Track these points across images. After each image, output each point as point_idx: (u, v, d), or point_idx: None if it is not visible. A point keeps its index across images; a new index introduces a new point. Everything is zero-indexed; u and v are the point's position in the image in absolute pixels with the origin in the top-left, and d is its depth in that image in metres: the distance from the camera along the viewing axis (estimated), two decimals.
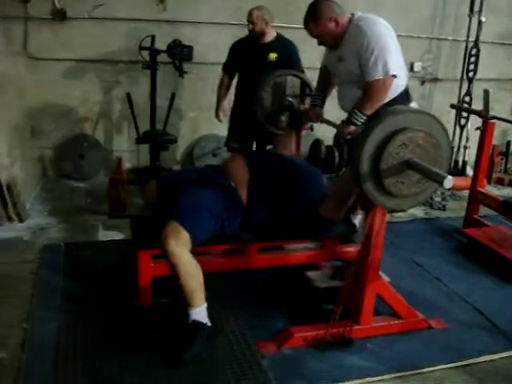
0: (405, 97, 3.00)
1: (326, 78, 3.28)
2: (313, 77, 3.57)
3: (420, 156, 2.33)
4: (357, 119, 2.89)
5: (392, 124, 2.30)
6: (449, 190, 5.46)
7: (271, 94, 3.63)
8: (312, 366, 2.56)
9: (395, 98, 2.94)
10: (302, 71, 4.21)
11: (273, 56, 4.29)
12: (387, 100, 2.89)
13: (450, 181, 2.17)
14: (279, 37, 4.39)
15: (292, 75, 3.66)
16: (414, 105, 3.05)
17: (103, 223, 4.18)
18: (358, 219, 3.18)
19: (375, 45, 2.76)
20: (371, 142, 2.30)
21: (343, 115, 3.09)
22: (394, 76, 2.81)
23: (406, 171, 2.34)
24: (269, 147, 4.45)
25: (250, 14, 4.21)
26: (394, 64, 2.80)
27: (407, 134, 2.30)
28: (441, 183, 2.20)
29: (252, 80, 4.23)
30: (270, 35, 4.33)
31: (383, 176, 2.33)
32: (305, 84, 3.62)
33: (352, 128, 2.91)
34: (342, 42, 2.94)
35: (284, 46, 4.34)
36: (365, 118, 2.87)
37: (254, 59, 4.28)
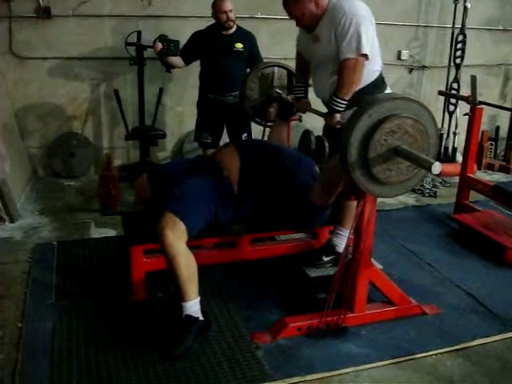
0: (380, 83, 2.99)
1: (304, 64, 3.23)
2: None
3: (408, 143, 2.33)
4: (338, 106, 2.84)
5: (380, 111, 2.30)
6: (439, 176, 5.49)
7: (259, 85, 3.63)
8: (307, 355, 2.57)
9: (371, 82, 2.92)
10: (261, 60, 4.40)
11: (239, 46, 4.40)
12: (362, 85, 2.87)
13: (437, 167, 2.18)
14: (240, 28, 4.50)
15: (279, 66, 3.67)
16: (388, 91, 3.03)
17: (95, 221, 4.17)
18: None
19: (352, 23, 2.72)
20: (359, 128, 2.30)
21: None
22: (365, 55, 2.75)
23: (394, 158, 2.35)
24: (244, 136, 4.50)
25: (223, 4, 4.26)
26: (368, 44, 2.75)
27: (395, 120, 2.30)
28: (429, 169, 2.21)
29: (220, 70, 4.34)
30: (234, 26, 4.43)
31: (371, 163, 2.33)
32: (292, 75, 3.62)
33: (338, 116, 2.90)
34: (320, 23, 2.92)
35: (247, 37, 4.49)
36: (345, 103, 2.82)
37: (222, 49, 4.37)
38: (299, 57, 3.24)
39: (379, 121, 2.29)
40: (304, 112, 3.38)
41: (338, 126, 2.92)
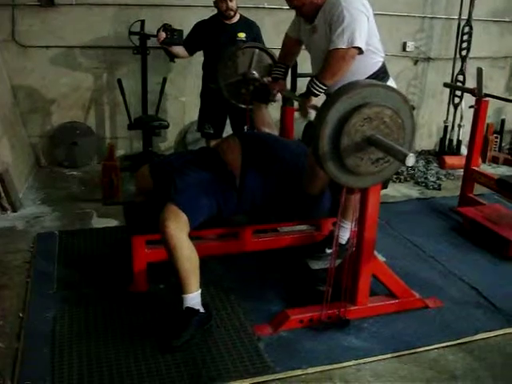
0: (382, 74, 2.96)
1: (289, 47, 3.21)
2: None
3: (383, 134, 2.27)
4: (315, 89, 2.80)
5: (360, 95, 2.24)
6: (444, 168, 5.49)
7: (237, 65, 3.56)
8: (309, 348, 2.56)
9: (372, 74, 2.89)
10: None
11: (242, 35, 4.35)
12: (364, 77, 2.84)
13: (411, 158, 2.11)
14: (243, 18, 4.47)
15: (259, 49, 3.61)
16: (391, 81, 3.01)
17: (97, 211, 4.17)
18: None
19: (347, 15, 2.68)
20: (336, 109, 2.22)
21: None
22: (359, 49, 2.72)
23: (367, 148, 2.28)
24: (246, 127, 4.47)
25: None
26: (361, 38, 2.71)
27: (374, 108, 2.23)
28: (402, 161, 2.14)
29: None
30: (237, 15, 4.39)
31: (342, 148, 2.25)
32: (272, 58, 3.58)
33: (314, 100, 2.85)
34: (319, 13, 2.89)
35: (250, 27, 4.45)
36: (324, 88, 2.79)
37: (224, 39, 4.30)
38: (288, 39, 3.23)
39: (358, 105, 2.23)
40: (278, 93, 3.34)
41: (312, 111, 2.87)
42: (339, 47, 2.70)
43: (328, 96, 2.59)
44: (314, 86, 2.80)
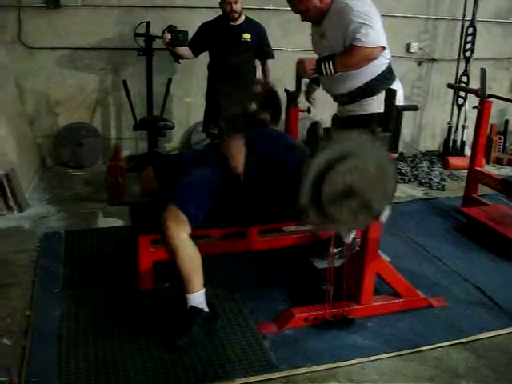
0: (388, 74, 3.01)
1: None
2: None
3: (366, 186, 2.26)
4: (325, 69, 2.87)
5: (344, 148, 2.23)
6: (447, 169, 5.51)
7: (238, 96, 3.46)
8: (313, 346, 2.58)
9: (378, 75, 2.94)
10: (272, 54, 4.51)
11: (247, 36, 4.40)
12: (370, 78, 2.92)
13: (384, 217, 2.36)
14: (249, 19, 4.49)
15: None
16: (397, 83, 3.05)
17: (103, 210, 4.19)
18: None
19: (364, 17, 2.76)
20: (320, 160, 2.21)
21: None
22: (384, 48, 2.82)
23: (348, 197, 2.26)
24: None
25: None
26: (384, 37, 2.81)
27: (356, 160, 2.23)
28: (376, 218, 2.38)
29: (227, 60, 4.33)
30: (242, 17, 4.42)
31: (324, 195, 2.23)
32: (273, 93, 3.44)
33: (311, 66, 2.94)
34: (325, 18, 2.94)
35: (255, 28, 4.48)
36: (333, 72, 2.87)
37: (229, 40, 4.35)
38: None
39: (342, 156, 2.21)
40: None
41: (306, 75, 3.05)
42: (367, 46, 2.77)
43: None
44: (327, 67, 2.86)
